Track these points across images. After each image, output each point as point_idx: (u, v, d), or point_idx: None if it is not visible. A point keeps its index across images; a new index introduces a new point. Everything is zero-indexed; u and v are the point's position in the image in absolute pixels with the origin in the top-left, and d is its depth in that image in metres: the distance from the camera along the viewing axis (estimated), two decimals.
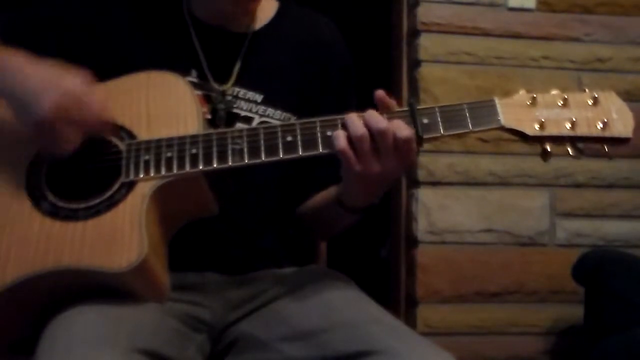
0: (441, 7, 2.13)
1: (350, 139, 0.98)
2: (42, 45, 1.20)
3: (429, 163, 2.10)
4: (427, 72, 2.11)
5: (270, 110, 1.21)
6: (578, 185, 2.17)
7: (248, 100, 1.21)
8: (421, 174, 2.10)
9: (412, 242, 2.11)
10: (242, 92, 1.21)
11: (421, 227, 2.09)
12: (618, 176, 2.18)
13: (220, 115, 1.19)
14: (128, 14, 1.23)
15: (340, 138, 0.98)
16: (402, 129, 0.98)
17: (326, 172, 1.20)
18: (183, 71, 1.15)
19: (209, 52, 1.22)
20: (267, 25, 1.28)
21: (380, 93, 1.02)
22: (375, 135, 0.98)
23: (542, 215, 2.15)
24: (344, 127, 0.99)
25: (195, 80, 1.19)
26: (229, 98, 1.20)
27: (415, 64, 2.14)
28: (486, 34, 2.15)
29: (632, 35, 2.21)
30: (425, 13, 2.13)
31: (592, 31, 2.20)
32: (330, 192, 1.20)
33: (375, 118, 0.98)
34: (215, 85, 1.21)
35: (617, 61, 2.19)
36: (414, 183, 2.12)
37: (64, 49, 1.20)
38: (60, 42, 1.21)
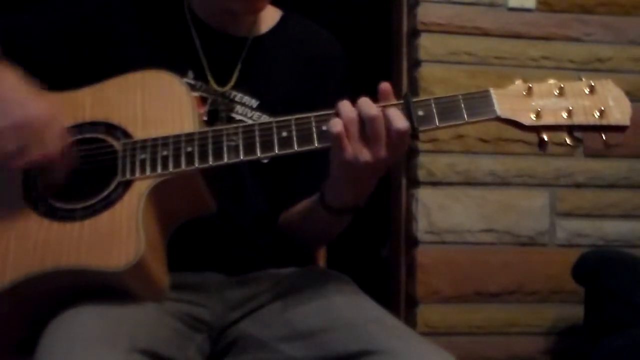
0: (441, 7, 2.13)
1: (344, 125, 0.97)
2: (43, 45, 1.21)
3: (429, 163, 2.10)
4: (427, 72, 2.11)
5: (264, 117, 1.20)
6: (578, 185, 2.17)
7: (244, 105, 1.21)
8: (421, 174, 2.10)
9: (412, 242, 2.11)
10: (238, 96, 1.21)
11: (421, 227, 2.09)
12: (618, 176, 2.18)
13: (221, 117, 1.19)
14: (129, 12, 1.23)
15: (336, 123, 0.97)
16: (398, 120, 0.97)
17: (311, 180, 1.19)
18: (180, 71, 1.14)
19: (210, 54, 1.22)
20: (269, 33, 1.28)
21: (386, 85, 1.01)
22: (366, 122, 0.97)
23: (542, 215, 2.15)
24: (338, 114, 0.99)
25: (191, 81, 1.19)
26: (226, 101, 1.20)
27: (415, 64, 2.14)
28: (486, 34, 2.15)
29: (632, 35, 2.21)
30: (425, 13, 2.13)
31: (592, 31, 2.20)
32: (313, 199, 1.17)
33: (367, 104, 0.98)
34: (215, 87, 1.20)
35: (617, 61, 2.19)
36: (414, 183, 2.12)
37: (65, 47, 1.20)
38: (61, 41, 1.21)
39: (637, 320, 1.73)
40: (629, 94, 1.05)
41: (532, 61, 2.16)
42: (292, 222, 1.24)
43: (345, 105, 0.99)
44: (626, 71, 2.18)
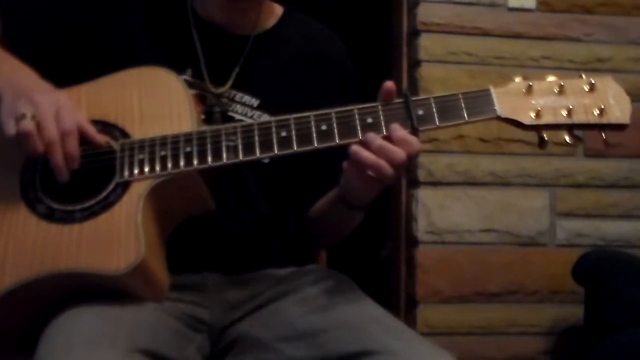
0: (441, 7, 2.13)
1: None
2: (45, 38, 1.21)
3: (429, 163, 2.10)
4: (427, 72, 2.11)
5: (265, 116, 1.19)
6: (578, 185, 2.17)
7: (244, 104, 1.21)
8: (421, 174, 2.10)
9: (412, 242, 2.11)
10: (238, 95, 1.21)
11: (421, 227, 2.09)
12: (618, 176, 2.18)
13: (216, 117, 1.18)
14: (129, 7, 1.23)
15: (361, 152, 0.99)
16: (396, 153, 0.99)
17: (328, 174, 1.19)
18: (178, 69, 1.14)
19: (209, 53, 1.21)
20: (270, 30, 1.28)
21: (390, 85, 1.01)
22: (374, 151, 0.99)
23: (542, 215, 2.15)
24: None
25: (189, 79, 1.18)
26: (225, 100, 1.20)
27: (415, 64, 2.14)
28: (486, 34, 2.15)
29: (632, 35, 2.21)
30: (425, 13, 2.13)
31: (592, 31, 2.20)
32: (332, 194, 1.19)
33: (373, 138, 1.00)
34: (212, 87, 1.20)
35: (617, 61, 2.19)
36: (414, 183, 2.12)
37: (64, 37, 1.20)
38: (60, 31, 1.21)
39: (637, 320, 1.73)
40: (629, 94, 1.05)
41: (532, 61, 2.16)
42: (317, 218, 1.25)
43: (360, 152, 0.99)
44: (626, 71, 2.18)
